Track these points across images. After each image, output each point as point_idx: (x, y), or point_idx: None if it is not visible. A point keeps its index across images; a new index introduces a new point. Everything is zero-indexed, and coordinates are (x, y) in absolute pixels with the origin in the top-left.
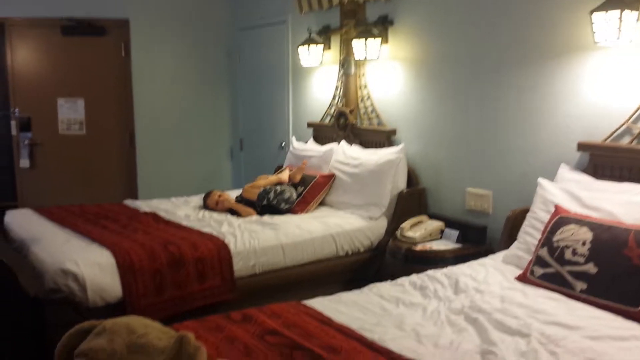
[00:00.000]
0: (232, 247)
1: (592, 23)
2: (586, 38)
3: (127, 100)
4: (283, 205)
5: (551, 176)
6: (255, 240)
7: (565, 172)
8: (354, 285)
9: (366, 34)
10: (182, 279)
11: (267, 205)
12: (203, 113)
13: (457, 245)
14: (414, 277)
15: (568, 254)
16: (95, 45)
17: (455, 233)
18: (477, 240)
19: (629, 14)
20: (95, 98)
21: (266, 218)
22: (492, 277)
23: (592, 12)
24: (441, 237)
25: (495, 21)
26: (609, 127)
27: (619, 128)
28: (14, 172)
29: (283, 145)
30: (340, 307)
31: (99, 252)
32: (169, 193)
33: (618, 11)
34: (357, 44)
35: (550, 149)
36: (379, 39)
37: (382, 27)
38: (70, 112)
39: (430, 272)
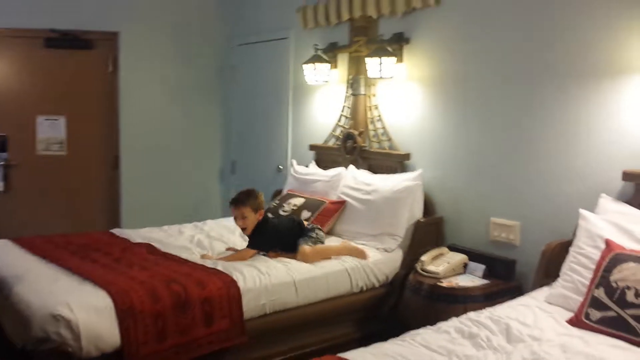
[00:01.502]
0: (241, 284)
1: None
2: (630, 60)
3: (112, 119)
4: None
5: (587, 207)
6: (266, 277)
7: (608, 203)
8: (369, 324)
9: (381, 52)
10: (187, 323)
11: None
12: (193, 133)
13: (485, 281)
14: (457, 323)
15: (630, 296)
16: (80, 59)
17: (481, 267)
18: (504, 275)
19: None
20: (78, 116)
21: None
22: (542, 321)
23: None
24: (464, 272)
25: (525, 38)
26: None
27: None
28: None
29: (281, 168)
30: None
31: (94, 293)
32: (155, 220)
33: None
34: (371, 63)
35: (586, 177)
36: (394, 58)
37: (397, 45)
38: (50, 131)
39: (472, 315)
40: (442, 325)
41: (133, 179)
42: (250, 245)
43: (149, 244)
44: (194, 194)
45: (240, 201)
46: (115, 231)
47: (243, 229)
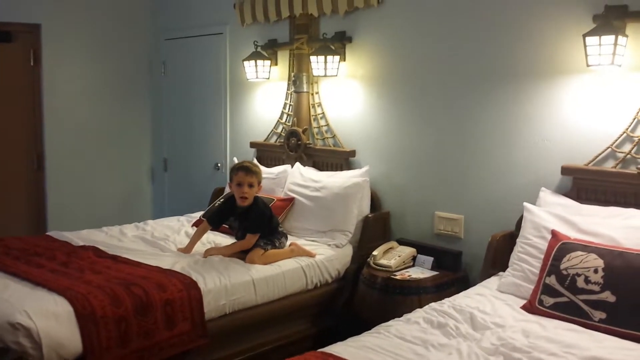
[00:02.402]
0: (201, 285)
1: (586, 47)
2: (568, 61)
3: (35, 116)
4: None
5: (527, 200)
6: (226, 277)
7: (548, 196)
8: (324, 319)
9: (326, 50)
10: (149, 326)
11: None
12: (122, 130)
13: (434, 273)
14: (423, 313)
15: (580, 282)
16: None
17: (429, 259)
18: (451, 266)
19: (622, 40)
20: None
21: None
22: (500, 308)
23: (585, 35)
24: (413, 264)
25: (465, 38)
26: (590, 151)
27: (602, 152)
28: None
29: (219, 166)
30: (371, 355)
31: (52, 300)
32: (83, 222)
33: (613, 36)
34: (316, 61)
35: (526, 172)
36: (338, 56)
37: (339, 43)
38: None
39: (435, 305)
40: (410, 316)
41: (59, 179)
42: (253, 230)
43: (95, 247)
44: (124, 194)
45: (252, 169)
46: (54, 234)
47: (243, 199)
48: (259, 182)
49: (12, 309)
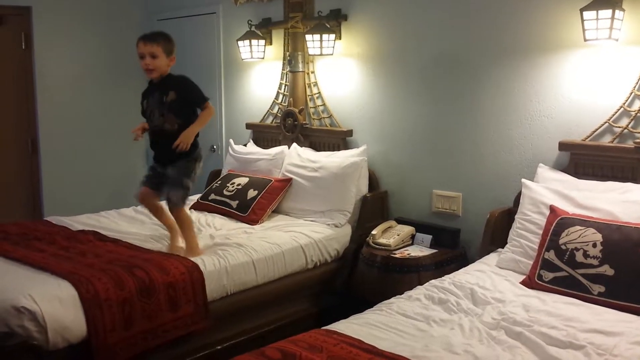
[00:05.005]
0: (202, 267)
1: (583, 21)
2: (565, 36)
3: (28, 100)
4: None
5: (524, 176)
6: (225, 259)
7: (546, 172)
8: (324, 298)
9: (321, 28)
10: (153, 309)
11: None
12: (115, 113)
13: (433, 250)
14: (424, 290)
15: (579, 257)
16: None
17: (428, 238)
18: (450, 244)
19: (619, 14)
20: None
21: (225, 232)
22: (500, 284)
23: (582, 10)
24: (412, 243)
25: (462, 15)
26: (587, 126)
27: (600, 127)
28: None
29: (215, 148)
30: (374, 332)
31: (56, 283)
32: (80, 205)
33: (610, 10)
34: (311, 39)
35: (524, 148)
36: (334, 34)
37: (335, 21)
38: None
39: (435, 282)
40: (412, 293)
41: (54, 163)
42: (197, 101)
43: (95, 231)
44: (120, 176)
45: (151, 37)
46: (52, 219)
47: (150, 71)
48: (170, 53)
49: (17, 293)
